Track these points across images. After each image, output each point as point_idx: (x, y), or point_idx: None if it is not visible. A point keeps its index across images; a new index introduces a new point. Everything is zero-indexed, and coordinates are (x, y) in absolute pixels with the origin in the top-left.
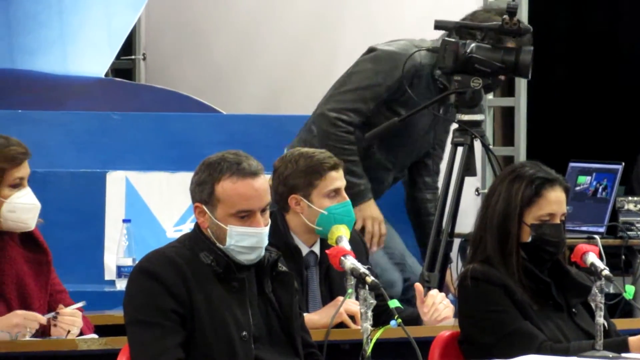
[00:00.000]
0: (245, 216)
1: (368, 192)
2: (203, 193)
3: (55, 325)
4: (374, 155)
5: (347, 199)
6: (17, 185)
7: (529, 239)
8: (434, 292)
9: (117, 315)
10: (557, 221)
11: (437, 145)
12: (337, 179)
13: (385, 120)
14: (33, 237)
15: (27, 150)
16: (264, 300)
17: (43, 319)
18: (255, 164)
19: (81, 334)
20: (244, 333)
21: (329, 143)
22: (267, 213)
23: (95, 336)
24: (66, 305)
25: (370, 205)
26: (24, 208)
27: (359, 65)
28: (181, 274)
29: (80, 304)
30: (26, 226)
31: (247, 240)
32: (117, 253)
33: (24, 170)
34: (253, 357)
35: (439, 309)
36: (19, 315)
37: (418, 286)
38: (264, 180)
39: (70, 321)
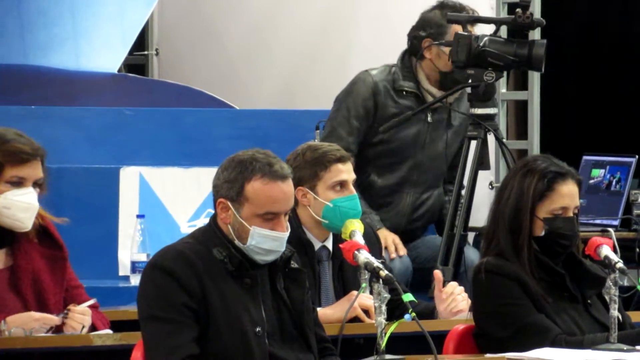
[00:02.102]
0: (270, 218)
1: (375, 224)
2: (231, 190)
3: (64, 324)
4: (375, 184)
5: (354, 192)
6: (16, 184)
7: (542, 233)
8: (454, 283)
9: (131, 310)
10: (570, 214)
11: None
12: (343, 171)
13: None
14: (49, 233)
15: (37, 152)
16: (276, 296)
17: (58, 320)
18: (286, 167)
19: (94, 329)
20: (258, 329)
21: None
22: (287, 217)
23: (110, 332)
24: (82, 301)
25: (381, 234)
26: (19, 206)
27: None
28: (194, 270)
29: (91, 302)
30: (22, 225)
31: (268, 244)
32: (131, 248)
33: (27, 171)
34: (267, 352)
35: (456, 299)
36: (39, 321)
37: (437, 274)
38: (291, 184)
39: (80, 319)
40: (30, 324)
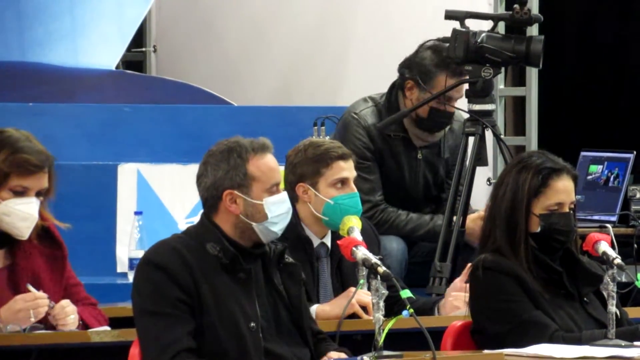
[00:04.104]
0: (275, 191)
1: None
2: (236, 177)
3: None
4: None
5: (355, 190)
6: (19, 193)
7: (538, 229)
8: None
9: (129, 307)
10: (566, 210)
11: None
12: (345, 169)
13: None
14: (49, 232)
15: (43, 164)
16: (271, 291)
17: (43, 295)
18: (263, 139)
19: (87, 327)
20: (252, 324)
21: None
22: None
23: (108, 328)
24: (81, 299)
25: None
26: (19, 215)
27: None
28: (187, 264)
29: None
30: (19, 234)
31: (281, 207)
32: (129, 245)
33: (32, 182)
34: (262, 347)
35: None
36: (19, 301)
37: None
38: None
39: (68, 311)
40: (20, 312)
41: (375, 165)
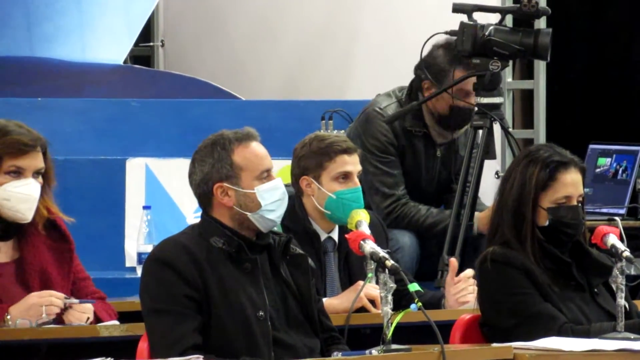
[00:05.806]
0: (266, 177)
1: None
2: (223, 169)
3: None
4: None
5: (358, 185)
6: (14, 173)
7: (547, 223)
8: (469, 272)
9: (138, 302)
10: (574, 203)
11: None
12: (349, 163)
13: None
14: (56, 225)
15: (35, 143)
16: (279, 282)
17: (58, 294)
18: (247, 128)
19: (99, 320)
20: (260, 313)
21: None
22: None
23: (117, 323)
24: (89, 292)
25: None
26: (18, 197)
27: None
28: (194, 260)
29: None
30: (22, 216)
31: (274, 194)
32: (138, 240)
33: (26, 162)
34: (271, 336)
35: (467, 288)
36: (33, 296)
37: (453, 262)
38: None
39: (80, 314)
40: (32, 308)
41: (397, 160)
